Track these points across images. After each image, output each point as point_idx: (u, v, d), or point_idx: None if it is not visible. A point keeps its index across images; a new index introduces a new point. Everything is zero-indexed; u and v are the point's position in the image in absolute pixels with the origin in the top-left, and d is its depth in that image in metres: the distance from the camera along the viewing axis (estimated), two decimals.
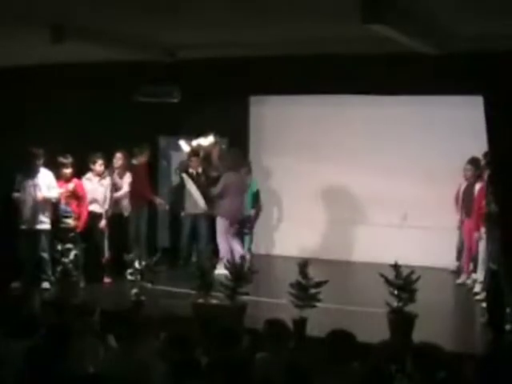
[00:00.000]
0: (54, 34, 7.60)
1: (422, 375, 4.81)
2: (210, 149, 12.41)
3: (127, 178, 11.07)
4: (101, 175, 10.61)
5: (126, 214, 11.08)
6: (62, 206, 10.19)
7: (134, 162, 11.45)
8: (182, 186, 11.93)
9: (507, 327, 7.83)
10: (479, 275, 9.62)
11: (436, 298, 9.62)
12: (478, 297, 9.51)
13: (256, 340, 5.97)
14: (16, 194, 9.96)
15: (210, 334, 5.80)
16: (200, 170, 11.95)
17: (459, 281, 10.74)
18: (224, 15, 7.06)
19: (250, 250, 12.51)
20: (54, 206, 10.15)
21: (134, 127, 11.28)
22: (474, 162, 10.61)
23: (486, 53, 7.87)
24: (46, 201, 9.98)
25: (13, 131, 10.57)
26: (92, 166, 10.54)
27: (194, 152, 12.22)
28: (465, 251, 10.72)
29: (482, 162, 10.11)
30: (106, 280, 10.58)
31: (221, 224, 11.28)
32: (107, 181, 10.70)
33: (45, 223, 10.01)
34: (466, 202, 10.60)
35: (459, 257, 11.34)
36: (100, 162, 10.55)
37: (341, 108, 12.09)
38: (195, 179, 11.90)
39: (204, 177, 11.96)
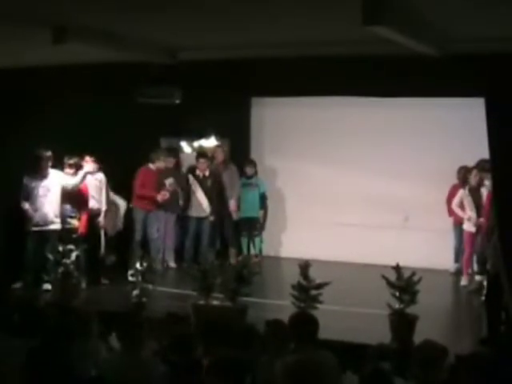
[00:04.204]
0: (56, 35, 7.60)
1: (422, 375, 4.81)
2: (214, 151, 12.43)
3: None
4: (91, 171, 10.53)
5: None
6: (67, 207, 10.21)
7: (151, 166, 11.48)
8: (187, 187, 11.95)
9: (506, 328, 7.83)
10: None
11: (437, 300, 9.61)
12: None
13: (257, 341, 5.96)
14: (26, 205, 9.94)
15: (211, 335, 5.79)
16: (207, 172, 11.92)
17: (463, 283, 10.67)
18: (225, 16, 7.07)
19: (260, 251, 12.49)
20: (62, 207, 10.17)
21: (134, 128, 11.28)
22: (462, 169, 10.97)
23: (487, 54, 7.86)
24: (70, 192, 10.08)
25: (13, 132, 10.57)
26: (83, 163, 10.46)
27: (202, 154, 12.18)
28: (466, 252, 10.67)
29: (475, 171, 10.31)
30: (103, 281, 10.55)
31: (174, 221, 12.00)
32: (100, 176, 10.70)
33: (55, 223, 10.04)
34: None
35: (457, 258, 11.33)
36: (87, 158, 10.50)
37: (342, 110, 12.09)
38: (201, 182, 11.89)
39: (211, 179, 11.94)
